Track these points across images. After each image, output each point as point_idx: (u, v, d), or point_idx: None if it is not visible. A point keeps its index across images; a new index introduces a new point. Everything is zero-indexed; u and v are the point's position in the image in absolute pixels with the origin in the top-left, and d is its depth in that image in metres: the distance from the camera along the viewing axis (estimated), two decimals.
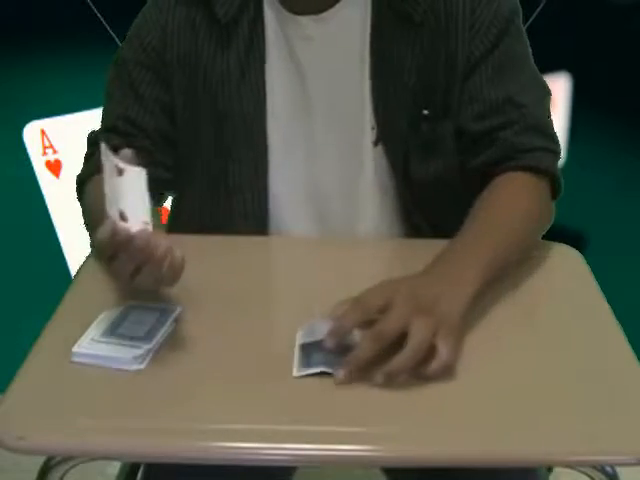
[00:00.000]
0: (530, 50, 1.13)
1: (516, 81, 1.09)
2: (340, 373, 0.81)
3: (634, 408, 0.82)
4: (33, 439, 0.76)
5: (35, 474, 0.83)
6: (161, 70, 1.12)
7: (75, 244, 2.34)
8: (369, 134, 1.11)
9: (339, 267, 1.06)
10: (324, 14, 1.08)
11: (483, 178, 1.10)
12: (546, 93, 1.12)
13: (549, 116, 1.12)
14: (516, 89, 1.09)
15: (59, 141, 2.54)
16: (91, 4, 2.85)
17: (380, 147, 1.11)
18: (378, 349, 0.81)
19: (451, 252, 0.95)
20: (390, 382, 0.81)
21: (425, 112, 1.09)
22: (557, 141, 1.12)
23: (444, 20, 1.07)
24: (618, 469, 0.85)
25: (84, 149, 1.19)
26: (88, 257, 1.09)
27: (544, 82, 1.13)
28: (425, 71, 1.08)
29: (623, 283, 2.02)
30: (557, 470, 0.88)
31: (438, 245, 0.96)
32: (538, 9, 2.09)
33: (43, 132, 2.57)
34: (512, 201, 1.05)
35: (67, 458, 0.81)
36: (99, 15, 2.88)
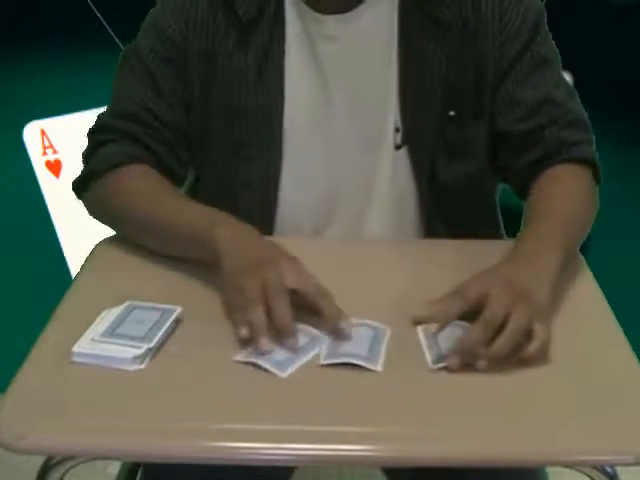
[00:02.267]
0: (555, 46, 1.14)
1: (550, 79, 1.11)
2: (453, 362, 0.84)
3: (634, 408, 0.82)
4: (33, 439, 0.76)
5: (35, 474, 0.83)
6: (181, 63, 1.11)
7: (75, 244, 2.34)
8: (391, 137, 1.10)
9: (341, 268, 1.06)
10: (349, 14, 1.07)
11: (526, 178, 1.11)
12: (573, 86, 1.15)
13: (582, 107, 1.14)
14: (551, 87, 1.11)
15: (59, 141, 2.54)
16: (91, 4, 2.84)
17: (402, 150, 1.10)
18: (488, 336, 0.84)
19: (529, 242, 0.98)
20: (492, 367, 0.84)
21: (451, 113, 1.09)
22: (591, 130, 1.14)
23: (472, 24, 1.07)
24: (618, 469, 0.85)
25: (87, 144, 1.13)
26: (88, 257, 1.09)
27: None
28: (452, 74, 1.08)
29: (623, 283, 2.02)
30: (557, 470, 0.88)
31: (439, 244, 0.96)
32: None
33: (43, 132, 2.57)
34: (569, 191, 1.08)
35: (67, 458, 0.81)
36: (99, 15, 2.87)
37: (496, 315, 0.85)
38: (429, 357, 0.87)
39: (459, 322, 0.90)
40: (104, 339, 0.87)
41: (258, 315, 0.85)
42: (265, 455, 0.76)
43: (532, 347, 0.85)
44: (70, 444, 0.78)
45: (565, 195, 1.07)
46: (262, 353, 0.85)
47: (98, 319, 0.90)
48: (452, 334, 0.88)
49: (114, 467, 1.18)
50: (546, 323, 0.87)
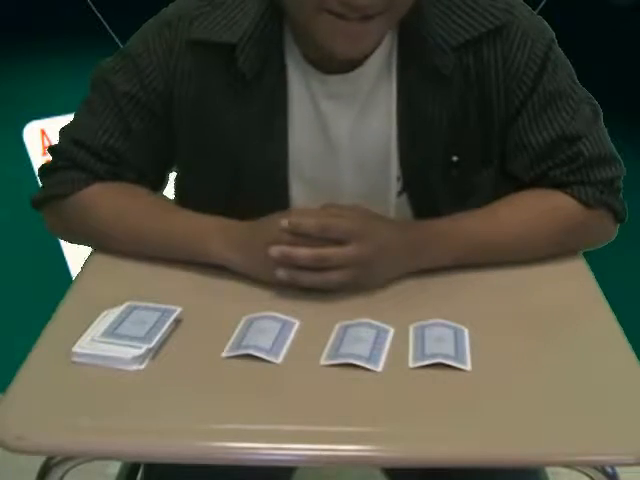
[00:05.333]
0: (573, 71, 1.09)
1: (564, 112, 1.06)
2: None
3: (634, 408, 0.82)
4: (33, 439, 0.77)
5: (35, 474, 0.83)
6: (158, 111, 1.08)
7: (75, 244, 2.33)
8: (394, 186, 1.09)
9: None
10: (352, 73, 1.05)
11: None
12: (596, 109, 1.09)
13: (605, 136, 1.08)
14: (566, 120, 1.06)
15: None
16: (91, 4, 2.85)
17: (403, 197, 1.09)
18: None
19: (436, 232, 1.02)
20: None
21: (454, 159, 1.07)
22: (615, 163, 1.08)
23: (474, 73, 1.04)
24: (618, 469, 0.85)
25: (51, 159, 1.12)
26: (89, 257, 1.09)
27: (591, 98, 1.09)
28: (455, 123, 1.06)
29: (623, 283, 2.02)
30: (557, 470, 0.88)
31: None
32: (538, 9, 2.09)
33: (43, 132, 2.57)
34: (531, 210, 1.06)
35: (67, 458, 0.81)
36: (99, 15, 2.87)
37: (328, 260, 0.94)
38: (411, 355, 0.87)
39: (449, 322, 0.91)
40: (104, 339, 0.87)
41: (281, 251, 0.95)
42: (265, 455, 0.76)
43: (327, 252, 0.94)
44: (70, 444, 0.78)
45: (522, 211, 1.06)
46: (250, 345, 0.87)
47: (98, 319, 0.90)
48: (440, 334, 0.88)
49: (114, 467, 1.18)
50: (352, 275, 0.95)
